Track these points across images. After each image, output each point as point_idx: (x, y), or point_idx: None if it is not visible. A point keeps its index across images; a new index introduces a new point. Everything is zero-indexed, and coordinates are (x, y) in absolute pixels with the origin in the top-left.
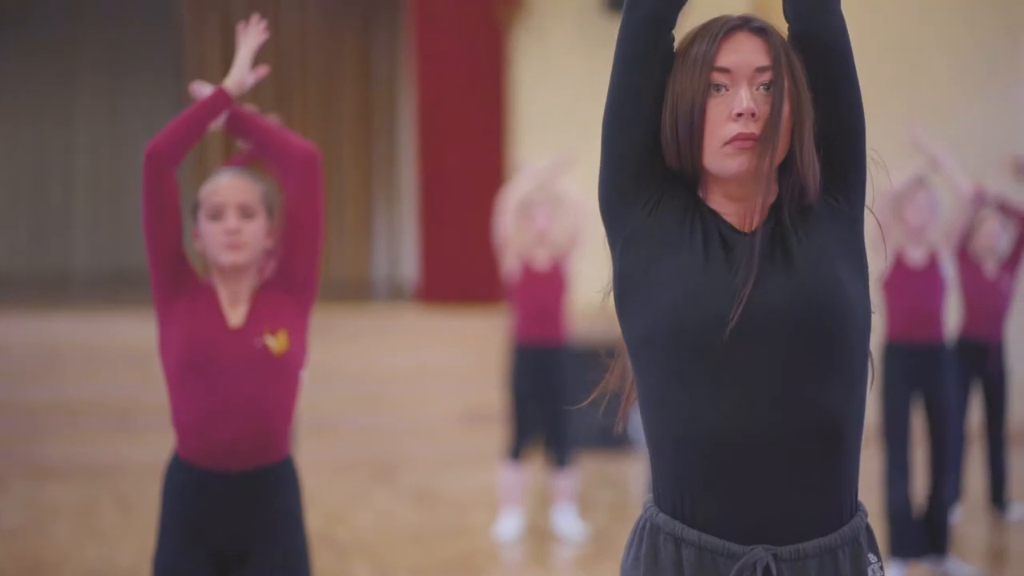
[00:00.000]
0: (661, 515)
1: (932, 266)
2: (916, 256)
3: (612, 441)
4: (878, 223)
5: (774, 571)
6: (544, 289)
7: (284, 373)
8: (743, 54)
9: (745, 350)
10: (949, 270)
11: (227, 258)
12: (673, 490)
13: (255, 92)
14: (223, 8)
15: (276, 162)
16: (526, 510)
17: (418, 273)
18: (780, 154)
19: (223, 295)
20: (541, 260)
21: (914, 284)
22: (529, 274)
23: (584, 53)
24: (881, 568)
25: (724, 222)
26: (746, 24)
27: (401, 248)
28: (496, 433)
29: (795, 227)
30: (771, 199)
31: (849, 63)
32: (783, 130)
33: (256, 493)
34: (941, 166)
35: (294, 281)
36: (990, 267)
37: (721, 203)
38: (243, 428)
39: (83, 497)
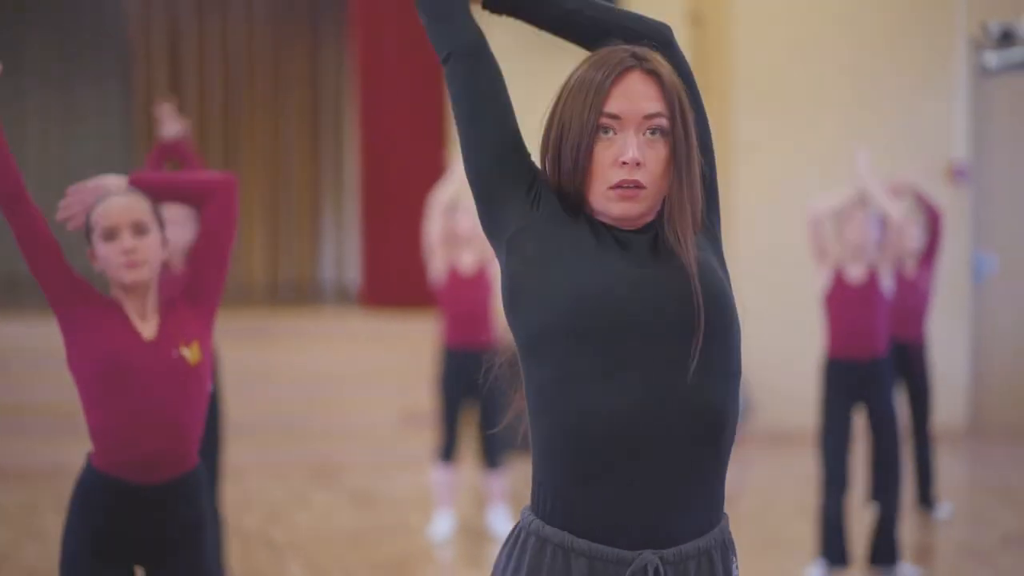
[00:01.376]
0: (547, 527)
1: (871, 283)
2: (856, 273)
3: None
4: (811, 238)
5: (661, 574)
6: (470, 292)
7: (198, 383)
8: (633, 101)
9: (642, 343)
10: (888, 286)
11: (128, 277)
12: (560, 498)
13: (203, 97)
14: (169, 4)
15: (194, 202)
16: (460, 511)
17: (361, 277)
18: (661, 195)
19: (130, 310)
20: (467, 263)
21: (854, 301)
22: (455, 278)
23: (523, 56)
24: (737, 568)
25: (613, 227)
26: (640, 64)
27: (349, 252)
28: (434, 435)
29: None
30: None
31: (698, 105)
32: (668, 176)
33: (174, 503)
34: (871, 198)
35: (202, 293)
36: (908, 266)
37: (606, 220)
38: (165, 439)
39: (26, 499)
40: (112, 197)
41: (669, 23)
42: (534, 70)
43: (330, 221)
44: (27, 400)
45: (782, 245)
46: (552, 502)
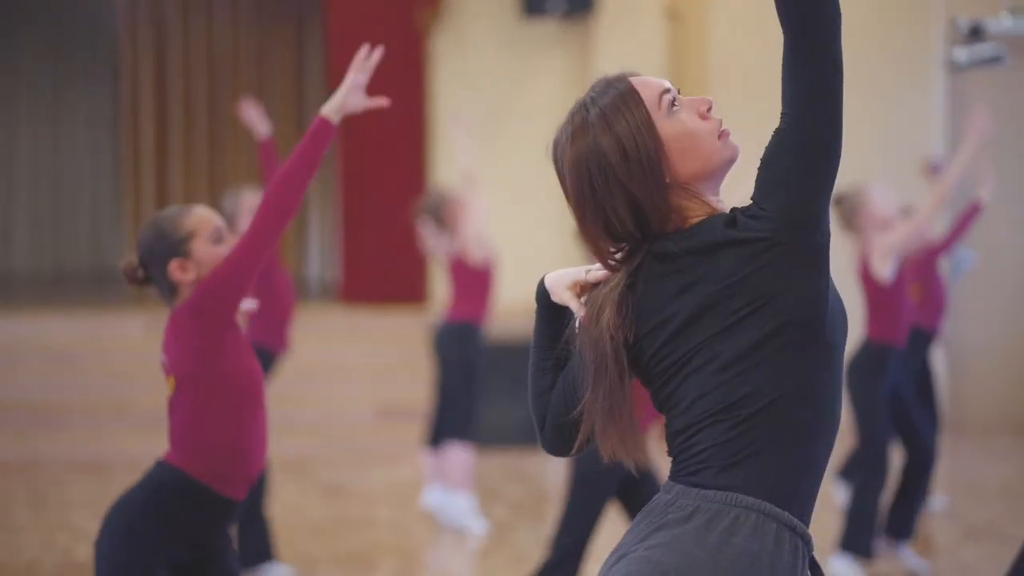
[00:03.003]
0: (774, 508)
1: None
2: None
3: (526, 436)
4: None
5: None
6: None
7: None
8: (657, 79)
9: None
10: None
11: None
12: (788, 480)
13: (188, 96)
14: (156, 6)
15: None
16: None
17: (341, 272)
18: None
19: None
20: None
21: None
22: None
23: (502, 56)
24: None
25: None
26: (628, 74)
27: (334, 248)
28: (410, 429)
29: None
30: None
31: None
32: None
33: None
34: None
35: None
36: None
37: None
38: (263, 459)
39: None
40: (196, 206)
41: (647, 19)
42: (510, 67)
43: (315, 219)
44: (1, 394)
45: None
46: (783, 484)
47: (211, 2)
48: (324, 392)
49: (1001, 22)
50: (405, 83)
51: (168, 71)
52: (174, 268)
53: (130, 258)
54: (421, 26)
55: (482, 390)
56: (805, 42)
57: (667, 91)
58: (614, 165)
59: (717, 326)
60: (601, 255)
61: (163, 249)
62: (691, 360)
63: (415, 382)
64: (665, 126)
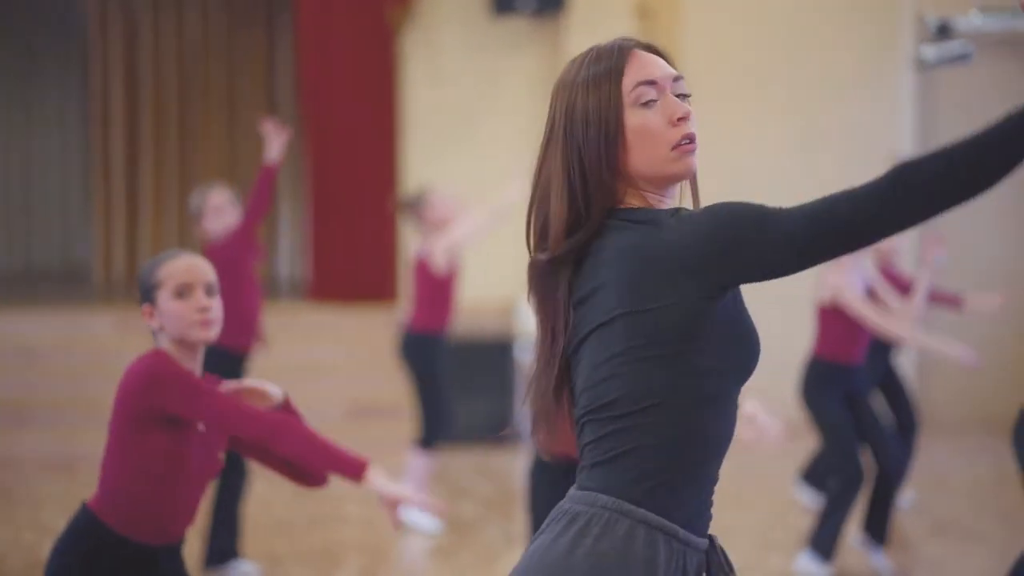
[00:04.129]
0: (647, 512)
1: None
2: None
3: (495, 433)
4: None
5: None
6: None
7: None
8: (658, 67)
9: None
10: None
11: (202, 335)
12: (667, 489)
13: (157, 94)
14: (125, 3)
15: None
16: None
17: (310, 270)
18: None
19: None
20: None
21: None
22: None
23: (471, 55)
24: None
25: None
26: (637, 43)
27: (303, 245)
28: (381, 427)
29: None
30: None
31: None
32: None
33: (166, 561)
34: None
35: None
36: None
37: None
38: (188, 520)
39: None
40: (181, 256)
41: (617, 17)
42: (480, 65)
43: (285, 217)
44: None
45: None
46: (657, 491)
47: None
48: (293, 390)
49: (970, 19)
50: (375, 81)
51: (138, 68)
52: (144, 312)
53: None
54: (391, 24)
55: (448, 397)
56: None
57: (651, 83)
58: (578, 126)
59: (595, 321)
60: (556, 216)
61: (140, 291)
62: (580, 350)
63: (384, 380)
64: (629, 116)
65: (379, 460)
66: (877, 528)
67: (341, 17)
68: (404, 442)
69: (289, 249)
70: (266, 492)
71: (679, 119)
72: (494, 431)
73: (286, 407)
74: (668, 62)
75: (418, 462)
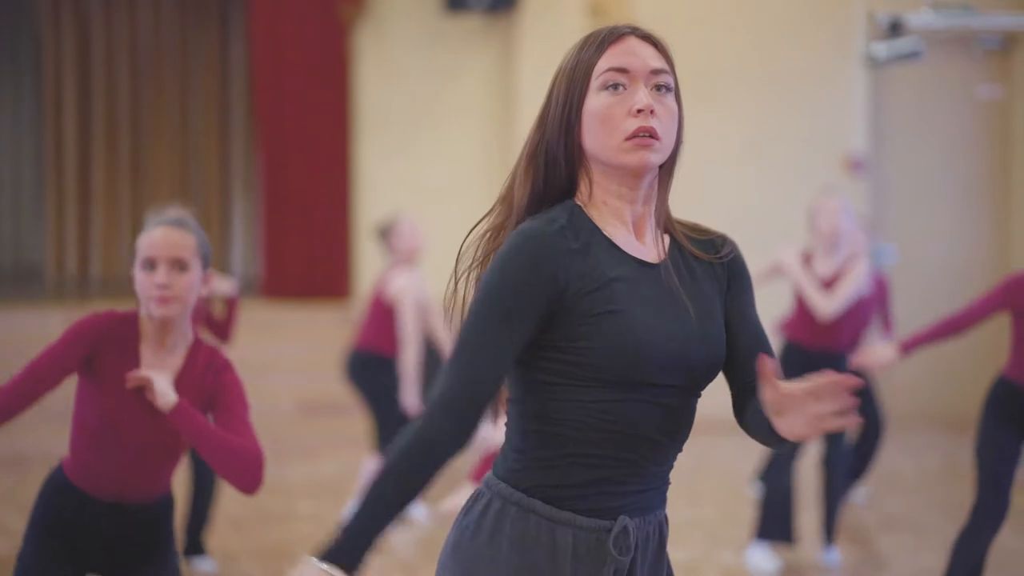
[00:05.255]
0: (535, 501)
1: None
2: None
3: None
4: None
5: (631, 532)
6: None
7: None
8: (639, 57)
9: (667, 381)
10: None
11: (157, 312)
12: (546, 473)
13: (109, 91)
14: (78, 5)
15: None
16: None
17: (263, 268)
18: (668, 153)
19: (149, 342)
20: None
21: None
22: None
23: (424, 51)
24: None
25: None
26: (634, 31)
27: (257, 242)
28: (332, 424)
29: None
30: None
31: None
32: (675, 129)
33: (131, 524)
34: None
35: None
36: None
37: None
38: (139, 483)
39: None
40: (160, 227)
41: (569, 15)
42: (433, 62)
43: (238, 214)
44: None
45: None
46: (531, 473)
47: None
48: (246, 386)
49: (921, 17)
50: (327, 78)
51: (91, 69)
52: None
53: None
54: (344, 20)
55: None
56: None
57: (621, 70)
58: (551, 104)
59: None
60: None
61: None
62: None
63: (336, 377)
64: (591, 98)
65: (330, 456)
66: (827, 526)
67: (294, 14)
68: (355, 439)
69: (242, 247)
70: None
71: (638, 111)
72: None
73: None
74: (664, 54)
75: (371, 469)
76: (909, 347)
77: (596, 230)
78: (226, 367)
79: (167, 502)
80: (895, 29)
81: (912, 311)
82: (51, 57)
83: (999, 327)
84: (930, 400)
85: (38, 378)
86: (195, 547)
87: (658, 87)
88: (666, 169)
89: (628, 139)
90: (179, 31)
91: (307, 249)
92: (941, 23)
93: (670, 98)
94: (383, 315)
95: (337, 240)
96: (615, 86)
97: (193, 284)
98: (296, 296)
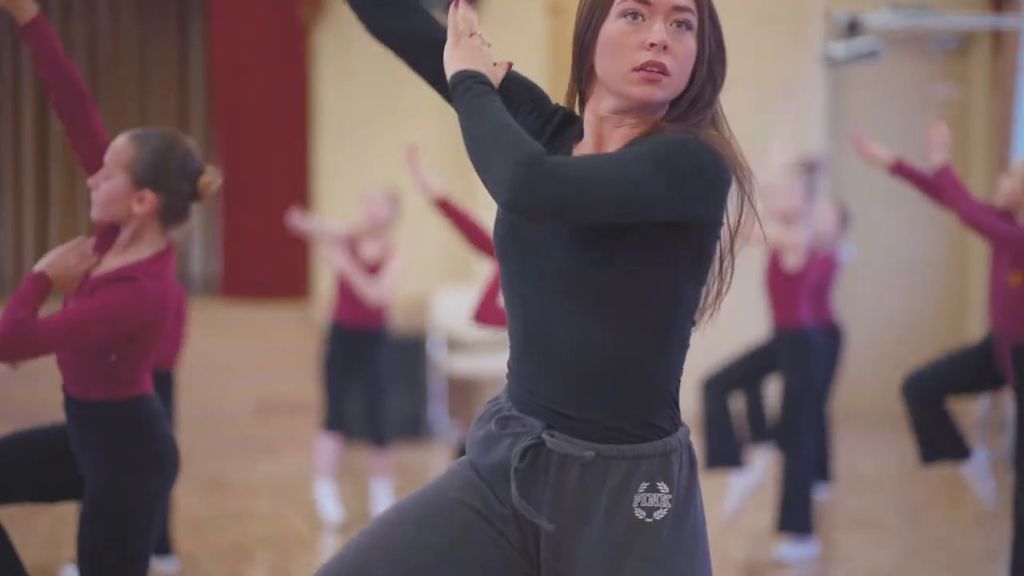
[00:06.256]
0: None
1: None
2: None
3: (409, 430)
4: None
5: (546, 446)
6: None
7: None
8: None
9: None
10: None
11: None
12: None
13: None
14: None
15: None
16: (298, 496)
17: (221, 267)
18: (679, 90)
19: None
20: (369, 253)
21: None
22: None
23: (384, 52)
24: (661, 503)
25: None
26: None
27: (215, 242)
28: (289, 423)
29: None
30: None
31: None
32: (690, 74)
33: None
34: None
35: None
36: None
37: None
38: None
39: None
40: (123, 135)
41: (529, 14)
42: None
43: (198, 212)
44: None
45: None
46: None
47: None
48: (204, 386)
49: (879, 16)
50: (286, 77)
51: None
52: None
53: None
54: (303, 20)
55: (342, 386)
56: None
57: (644, 1)
58: (580, 11)
59: None
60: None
61: None
62: None
63: (296, 376)
64: (608, 23)
65: (287, 456)
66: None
67: (253, 14)
68: (312, 438)
69: (200, 245)
70: (176, 490)
71: (651, 44)
72: (407, 430)
73: None
74: None
75: (325, 446)
76: (901, 169)
77: None
78: (114, 284)
79: (103, 408)
80: (853, 28)
81: (872, 310)
82: (8, 60)
83: (954, 328)
84: (892, 400)
85: None
86: (161, 547)
87: (678, 23)
88: (681, 109)
89: (636, 70)
90: (137, 31)
91: (266, 249)
92: (899, 23)
93: (689, 36)
94: (340, 283)
95: (296, 240)
96: (634, 15)
97: (112, 194)
98: (255, 295)
